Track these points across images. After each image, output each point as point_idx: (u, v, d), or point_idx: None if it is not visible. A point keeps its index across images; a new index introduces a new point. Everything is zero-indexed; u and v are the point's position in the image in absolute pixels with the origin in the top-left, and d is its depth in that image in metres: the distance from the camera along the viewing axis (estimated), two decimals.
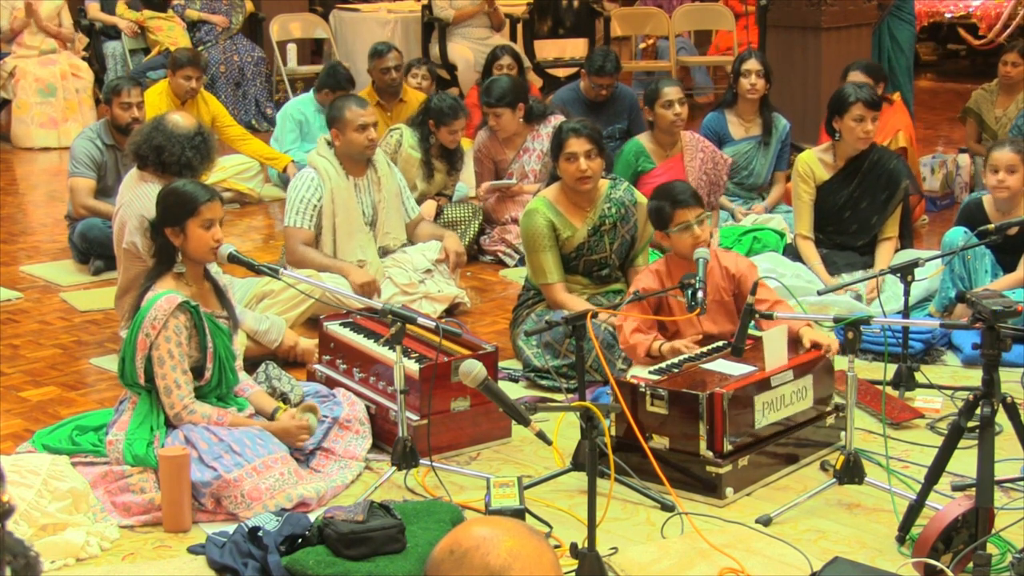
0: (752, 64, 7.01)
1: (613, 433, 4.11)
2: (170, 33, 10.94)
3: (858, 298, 5.71)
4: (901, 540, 3.73)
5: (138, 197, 5.07)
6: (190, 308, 4.13)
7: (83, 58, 10.89)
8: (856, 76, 6.86)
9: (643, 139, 6.70)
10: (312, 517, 3.77)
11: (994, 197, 5.59)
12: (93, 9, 11.20)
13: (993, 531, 3.50)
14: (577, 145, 5.11)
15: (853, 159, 5.96)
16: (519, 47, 10.83)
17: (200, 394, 4.17)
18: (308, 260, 5.63)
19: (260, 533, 3.61)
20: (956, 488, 4.01)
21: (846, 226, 6.03)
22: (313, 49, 12.36)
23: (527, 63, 10.59)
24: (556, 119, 7.14)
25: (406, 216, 6.06)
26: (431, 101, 7.00)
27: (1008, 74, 8.26)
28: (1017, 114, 8.01)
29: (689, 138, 6.70)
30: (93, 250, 6.67)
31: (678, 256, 4.71)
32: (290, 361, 5.23)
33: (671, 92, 6.53)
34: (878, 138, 6.56)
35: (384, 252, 5.91)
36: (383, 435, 4.44)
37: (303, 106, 8.56)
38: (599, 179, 5.22)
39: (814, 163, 6.04)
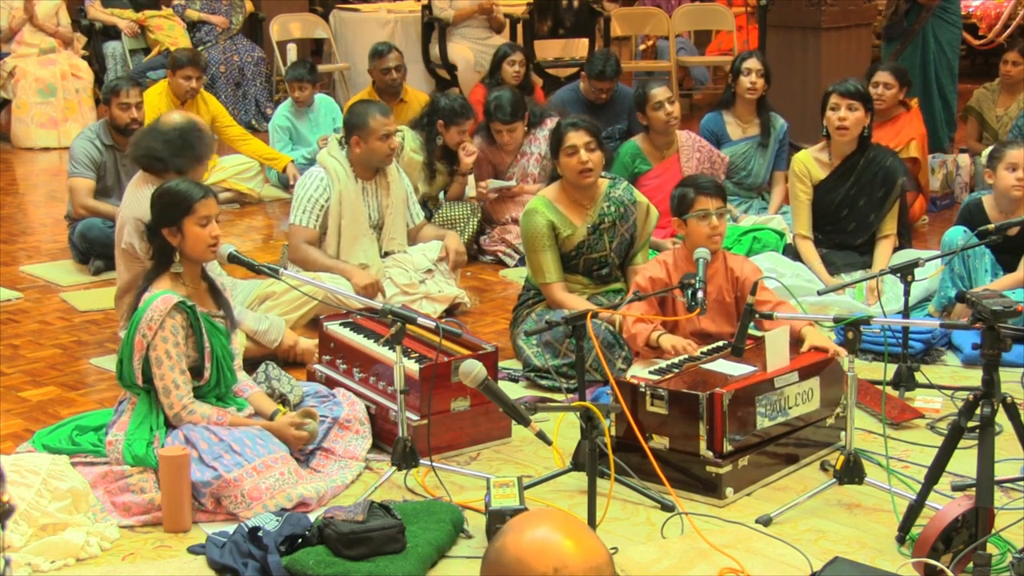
0: (753, 63, 7.02)
1: (613, 433, 4.11)
2: (170, 32, 10.95)
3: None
4: (901, 540, 3.73)
5: (136, 200, 5.08)
6: (186, 308, 4.12)
7: (83, 58, 10.89)
8: (882, 76, 6.89)
9: (639, 140, 6.71)
10: (312, 517, 3.77)
11: (1009, 196, 5.58)
12: (93, 9, 11.21)
13: (993, 531, 3.50)
14: (576, 138, 5.13)
15: (848, 157, 5.97)
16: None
17: (199, 394, 4.17)
18: (310, 259, 5.61)
19: (260, 533, 3.61)
20: (956, 488, 4.01)
21: (844, 224, 6.03)
22: (313, 49, 12.36)
23: None
24: (552, 121, 7.15)
25: (410, 221, 6.05)
26: (439, 101, 6.99)
27: (1009, 73, 8.28)
28: (1018, 114, 8.02)
29: (685, 138, 6.70)
30: (93, 250, 6.67)
31: (690, 247, 4.72)
32: (290, 361, 5.23)
33: (659, 93, 6.55)
34: (892, 143, 6.57)
35: (386, 255, 5.90)
36: (383, 435, 4.44)
37: (286, 112, 8.67)
38: (599, 174, 5.23)
39: (810, 163, 6.05)
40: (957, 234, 5.51)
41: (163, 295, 4.10)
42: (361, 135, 5.66)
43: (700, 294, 4.25)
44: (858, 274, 5.81)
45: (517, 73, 8.41)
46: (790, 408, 4.22)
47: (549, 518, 1.81)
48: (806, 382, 4.27)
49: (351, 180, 5.71)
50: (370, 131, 5.64)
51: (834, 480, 4.04)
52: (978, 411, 3.46)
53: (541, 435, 3.38)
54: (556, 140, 5.21)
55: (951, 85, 8.59)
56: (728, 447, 4.02)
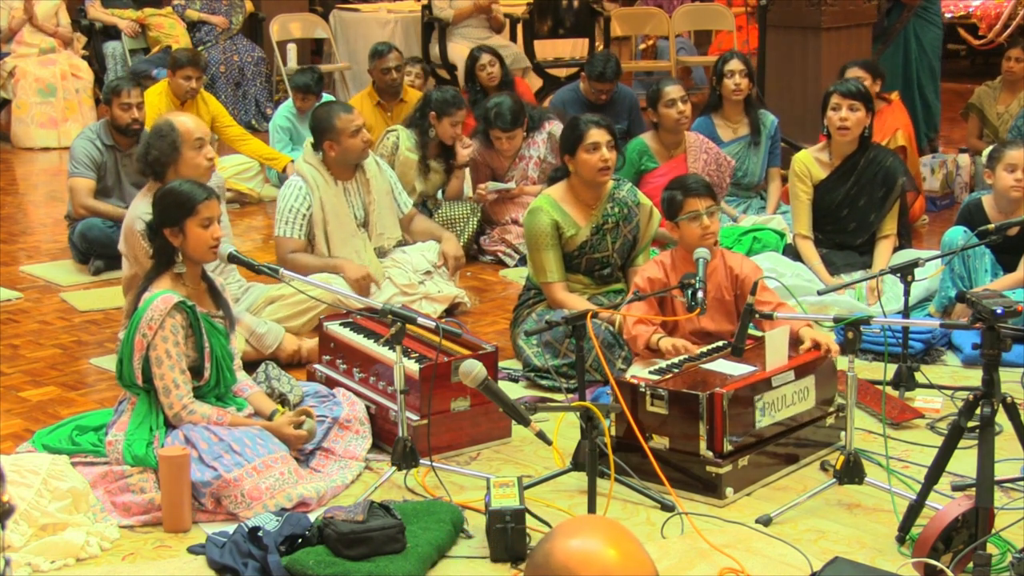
0: (735, 64, 7.03)
1: (613, 433, 4.11)
2: (171, 31, 10.96)
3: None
4: (901, 540, 3.73)
5: (134, 205, 5.11)
6: (186, 308, 4.12)
7: (83, 58, 10.89)
8: (853, 72, 6.89)
9: (647, 138, 6.71)
10: (312, 517, 3.77)
11: (1008, 196, 5.58)
12: (93, 9, 11.21)
13: (993, 531, 3.50)
14: (599, 135, 5.12)
15: (849, 157, 5.97)
16: (519, 47, 10.84)
17: (199, 394, 4.17)
18: (299, 266, 5.56)
19: (260, 533, 3.61)
20: (956, 488, 4.01)
21: (844, 224, 6.03)
22: (313, 49, 12.36)
23: (527, 63, 10.61)
24: (550, 125, 7.14)
25: (399, 211, 6.04)
26: (431, 94, 6.99)
27: (1011, 70, 8.30)
28: (1018, 112, 8.03)
29: (693, 139, 6.70)
30: (93, 250, 6.68)
31: (685, 248, 4.73)
32: (292, 363, 5.23)
33: (673, 91, 6.55)
34: (877, 136, 6.57)
35: (381, 253, 5.89)
36: (383, 435, 4.44)
37: (287, 112, 8.67)
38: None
39: (810, 162, 6.05)
40: (957, 234, 5.51)
41: (163, 295, 4.10)
42: (332, 137, 5.64)
43: (700, 294, 4.25)
44: (858, 274, 5.81)
45: (491, 75, 8.33)
46: (787, 407, 4.22)
47: (600, 526, 1.83)
48: (802, 380, 4.27)
49: (330, 184, 5.70)
50: (339, 131, 5.63)
51: (834, 480, 4.04)
52: (978, 411, 3.46)
53: (541, 435, 3.38)
54: (575, 136, 5.15)
55: (932, 85, 8.62)
56: (728, 447, 4.02)
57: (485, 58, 8.38)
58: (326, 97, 8.80)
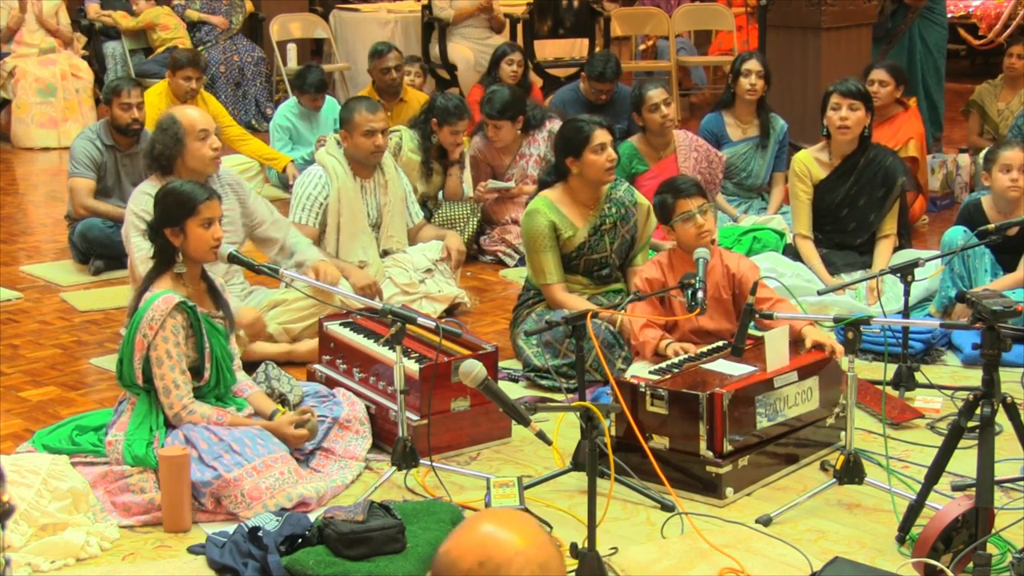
0: (753, 64, 7.02)
1: (613, 433, 4.11)
2: (177, 31, 10.96)
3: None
4: (901, 540, 3.73)
5: (140, 188, 5.12)
6: (187, 308, 4.13)
7: (83, 58, 10.89)
8: (878, 74, 6.89)
9: (635, 141, 6.70)
10: (312, 517, 3.77)
11: (1005, 197, 5.59)
12: (93, 9, 11.21)
13: (993, 531, 3.50)
14: (604, 136, 5.12)
15: (849, 156, 5.97)
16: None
17: (199, 394, 4.17)
18: None
19: (260, 533, 3.61)
20: (956, 488, 4.01)
21: (844, 224, 6.03)
22: (313, 49, 12.36)
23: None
24: (551, 123, 7.13)
25: (409, 221, 6.05)
26: (436, 100, 6.99)
27: (1013, 66, 8.32)
28: (1019, 109, 8.04)
29: (683, 138, 6.69)
30: (93, 250, 6.68)
31: (684, 249, 4.73)
32: (290, 362, 5.23)
33: (655, 95, 6.53)
34: (890, 143, 6.56)
35: (385, 254, 5.90)
36: (383, 435, 4.44)
37: (288, 111, 8.64)
38: None
39: (810, 162, 6.05)
40: (957, 234, 5.51)
41: (164, 295, 4.10)
42: (348, 130, 5.70)
43: (700, 294, 4.25)
44: (858, 274, 5.81)
45: (515, 72, 8.47)
46: (789, 408, 4.22)
47: (484, 515, 1.83)
48: (805, 382, 4.27)
49: (349, 178, 5.72)
50: (354, 126, 5.67)
51: (834, 480, 4.04)
52: (978, 411, 3.46)
53: (541, 435, 3.38)
54: (580, 138, 5.11)
55: (937, 86, 8.63)
56: (728, 447, 4.02)
57: (516, 56, 8.61)
58: (327, 97, 8.82)
